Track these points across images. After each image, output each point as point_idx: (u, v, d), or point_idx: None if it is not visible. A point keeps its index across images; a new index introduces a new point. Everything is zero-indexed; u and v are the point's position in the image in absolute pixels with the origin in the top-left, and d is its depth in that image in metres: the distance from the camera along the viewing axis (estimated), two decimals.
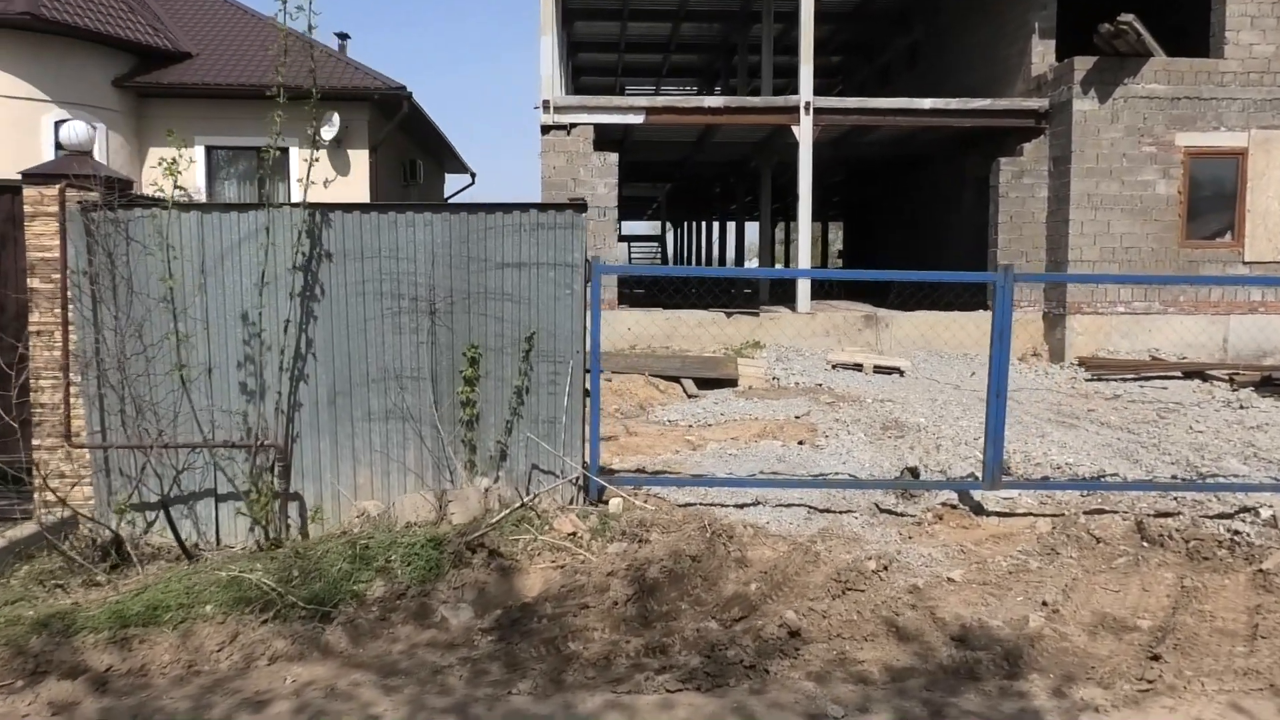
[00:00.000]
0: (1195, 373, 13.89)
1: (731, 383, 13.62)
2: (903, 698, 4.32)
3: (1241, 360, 14.85)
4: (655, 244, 50.60)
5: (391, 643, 4.98)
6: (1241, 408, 11.38)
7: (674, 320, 16.19)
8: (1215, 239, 15.57)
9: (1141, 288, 15.44)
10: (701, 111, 16.83)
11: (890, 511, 7.09)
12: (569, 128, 16.44)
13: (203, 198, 16.25)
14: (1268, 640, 4.80)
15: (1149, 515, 6.81)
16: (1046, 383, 13.81)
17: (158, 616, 4.96)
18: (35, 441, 6.42)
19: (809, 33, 16.62)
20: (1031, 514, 7.05)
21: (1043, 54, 16.49)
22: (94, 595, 5.42)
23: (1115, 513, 6.96)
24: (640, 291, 22.73)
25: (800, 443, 9.50)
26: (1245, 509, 6.93)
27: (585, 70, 30.34)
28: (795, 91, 16.56)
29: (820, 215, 38.44)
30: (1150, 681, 4.39)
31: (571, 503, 6.77)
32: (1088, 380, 13.97)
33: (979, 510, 7.10)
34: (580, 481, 6.81)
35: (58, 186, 6.29)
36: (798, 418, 10.88)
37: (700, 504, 7.12)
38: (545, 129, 16.49)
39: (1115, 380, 13.88)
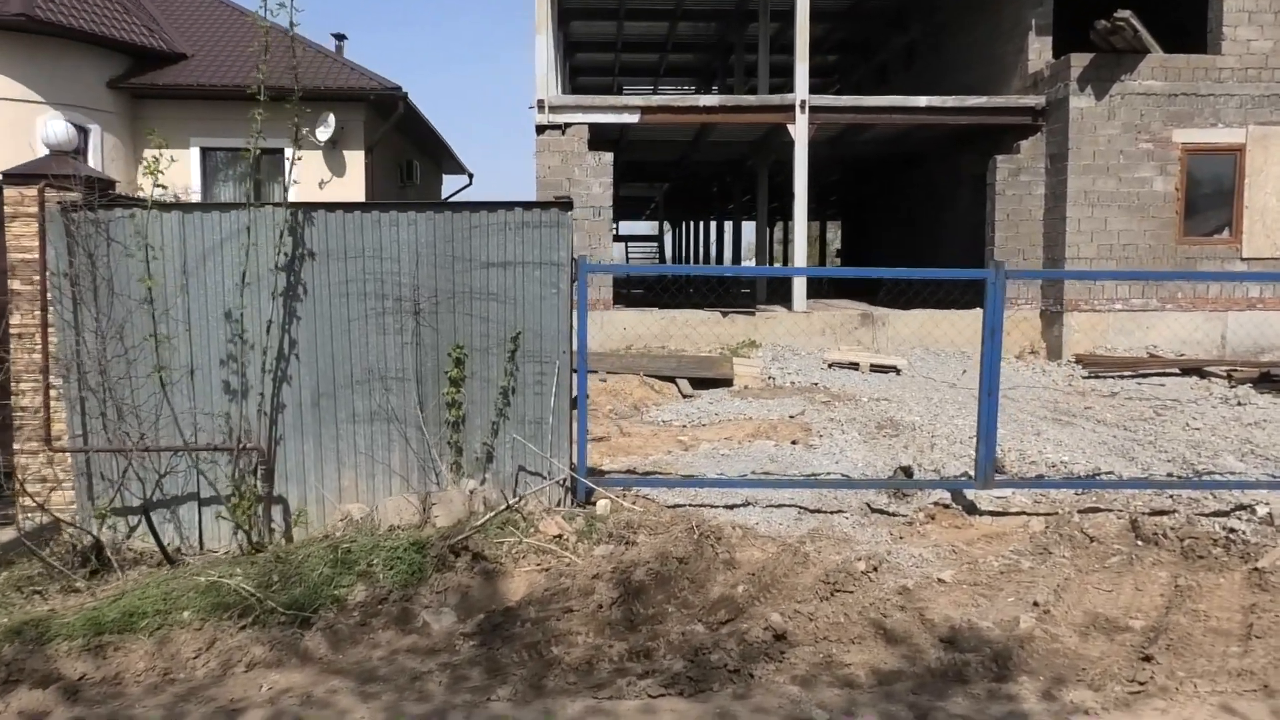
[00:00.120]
0: (1193, 370, 13.80)
1: (727, 382, 13.54)
2: (889, 701, 4.24)
3: (1239, 357, 14.75)
4: (653, 244, 50.51)
5: (371, 648, 4.91)
6: (1239, 404, 11.29)
7: (670, 320, 16.12)
8: (1213, 236, 15.48)
9: (1139, 285, 15.35)
10: (697, 111, 16.75)
11: (882, 511, 7.00)
12: (564, 127, 16.37)
13: (198, 199, 16.18)
14: (1262, 640, 4.71)
15: (1144, 513, 6.73)
16: (1043, 380, 13.72)
17: (134, 623, 4.88)
18: (15, 445, 6.35)
19: (804, 31, 16.54)
20: (1025, 513, 6.97)
21: (1039, 51, 16.40)
22: (72, 602, 5.35)
23: (1110, 511, 6.88)
24: (639, 291, 22.67)
25: (794, 442, 9.42)
26: (1241, 506, 6.85)
27: (582, 70, 30.28)
28: (791, 90, 16.49)
29: (818, 214, 38.38)
30: (1141, 683, 4.31)
31: (558, 504, 6.69)
32: (1085, 378, 13.88)
33: (972, 510, 7.02)
34: (567, 483, 6.73)
35: (37, 187, 6.22)
36: (792, 417, 10.81)
37: (690, 505, 7.04)
38: (540, 128, 16.42)
39: (1113, 377, 13.79)
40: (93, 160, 16.97)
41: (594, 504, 6.75)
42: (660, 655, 4.72)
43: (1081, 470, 8.06)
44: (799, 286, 16.79)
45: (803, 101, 16.25)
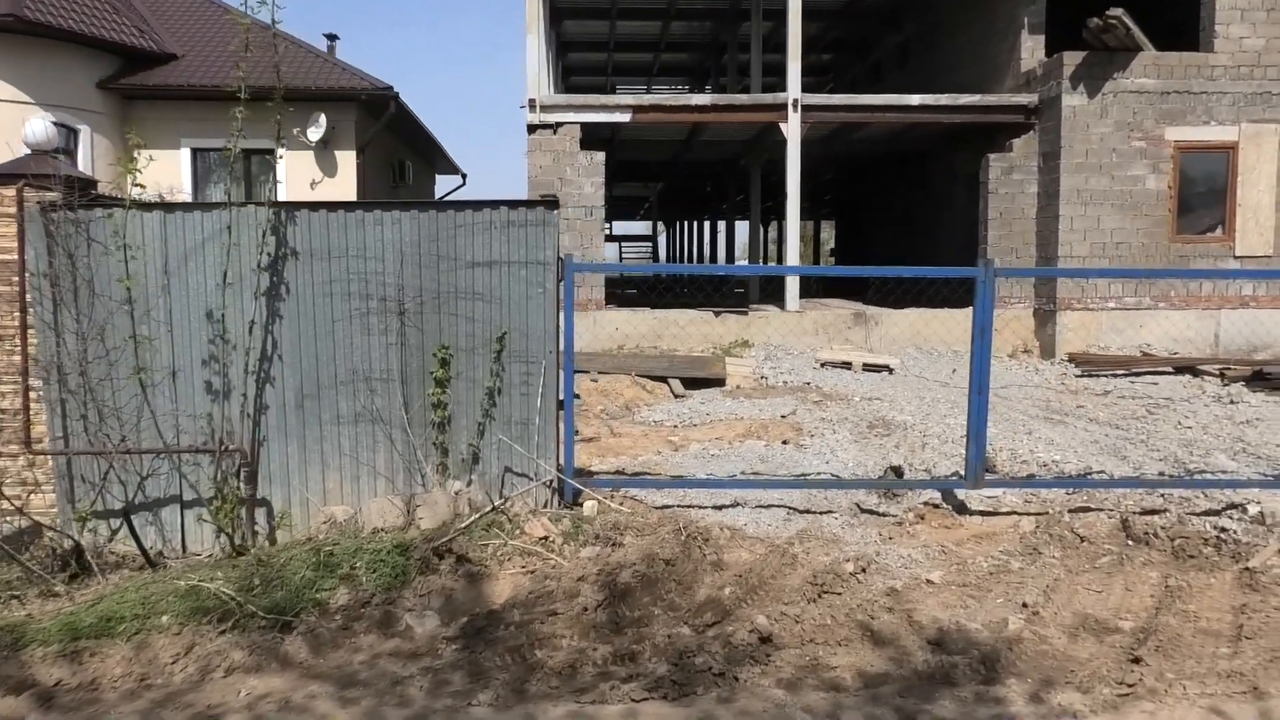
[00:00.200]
0: (1186, 368, 13.77)
1: (719, 382, 13.49)
2: (875, 705, 4.19)
3: (1232, 355, 14.73)
4: (647, 244, 50.43)
5: (353, 653, 4.85)
6: (1232, 403, 11.25)
7: (662, 320, 16.06)
8: (1206, 234, 15.45)
9: (1132, 283, 15.32)
10: (689, 110, 16.69)
11: (872, 512, 6.95)
12: (555, 127, 16.30)
13: (189, 200, 16.10)
14: (1252, 641, 4.67)
15: (1135, 513, 6.69)
16: (1036, 379, 13.68)
17: (112, 628, 4.82)
18: None
19: (797, 30, 16.50)
20: (1015, 513, 6.92)
21: (1032, 49, 16.36)
22: (50, 607, 5.28)
23: (1101, 511, 6.84)
24: (633, 291, 22.61)
25: (784, 442, 9.37)
26: (1232, 505, 6.81)
27: (575, 70, 30.21)
28: (784, 89, 16.44)
29: (813, 213, 38.35)
30: (1130, 685, 4.26)
31: (545, 506, 6.63)
32: (1078, 376, 13.84)
33: (962, 509, 6.97)
34: (554, 484, 6.67)
35: (15, 187, 6.15)
36: (783, 417, 10.75)
37: (678, 506, 6.98)
38: (531, 128, 16.35)
39: (1106, 376, 13.75)
40: (83, 161, 16.90)
41: (581, 505, 6.69)
42: (645, 658, 4.67)
43: (1073, 469, 8.01)
44: (791, 286, 16.74)
45: (795, 100, 16.21)
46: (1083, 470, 7.97)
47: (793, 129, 16.27)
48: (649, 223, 49.21)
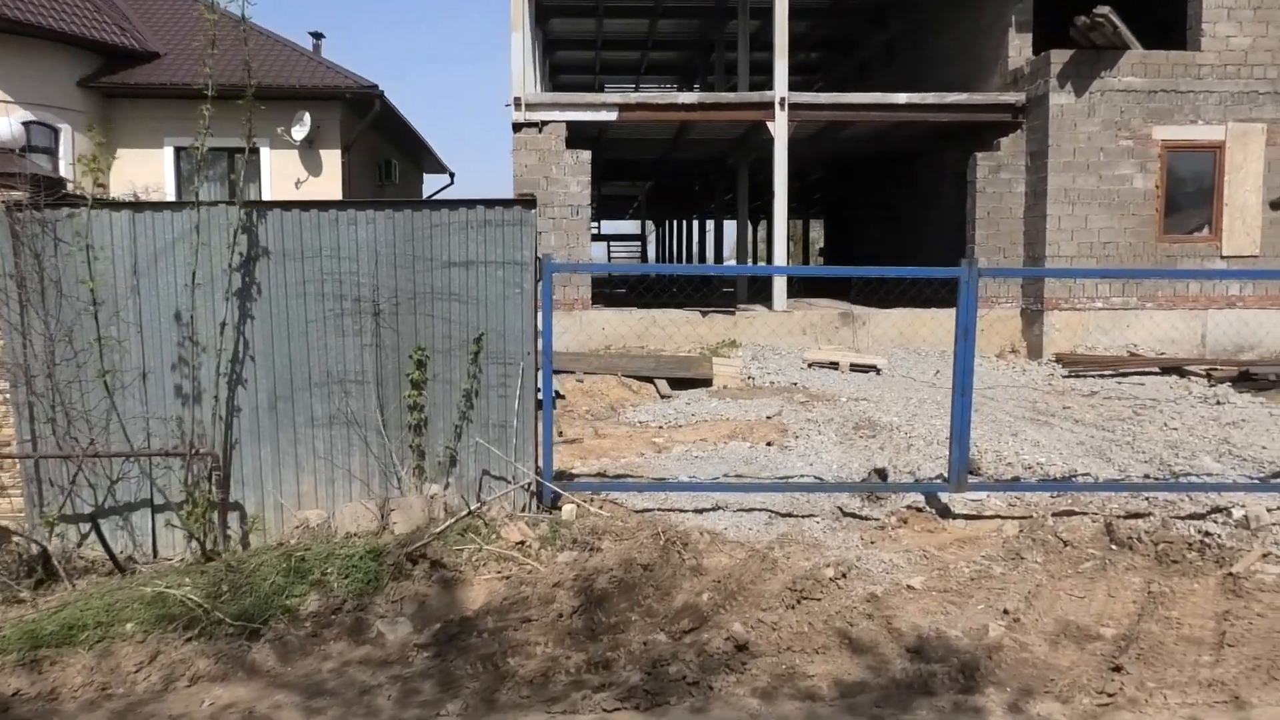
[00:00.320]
0: (1173, 368, 13.74)
1: (706, 382, 13.41)
2: (852, 714, 4.11)
3: (1219, 355, 14.71)
4: (636, 243, 50.31)
5: (322, 660, 4.75)
6: (1218, 403, 11.22)
7: (650, 320, 15.97)
8: (1193, 233, 15.42)
9: (1119, 283, 15.29)
10: (676, 108, 16.60)
11: (854, 515, 6.88)
12: (541, 125, 16.20)
13: (172, 200, 15.95)
14: (1235, 649, 4.60)
15: (1119, 516, 6.63)
16: (1023, 380, 13.64)
17: (74, 636, 4.71)
18: None
19: (783, 28, 16.42)
20: (999, 516, 6.85)
21: (1019, 48, 16.31)
22: (13, 614, 5.17)
23: (1085, 514, 6.77)
24: (622, 291, 22.50)
25: (769, 444, 9.29)
26: (1217, 509, 6.75)
27: (563, 68, 30.08)
28: (772, 88, 16.36)
29: (802, 213, 38.29)
30: (1110, 695, 4.19)
31: (524, 510, 6.53)
32: (1065, 377, 13.80)
33: (945, 513, 6.90)
34: (533, 487, 6.58)
35: None
36: (769, 418, 10.68)
37: (659, 509, 6.90)
38: (517, 126, 16.24)
39: (1093, 377, 13.72)
40: (64, 160, 16.74)
41: (560, 509, 6.60)
42: (620, 666, 4.58)
43: (1058, 472, 7.95)
44: (779, 285, 16.67)
45: (782, 99, 16.13)
46: (1067, 473, 7.91)
47: (780, 127, 16.20)
48: (638, 222, 49.09)
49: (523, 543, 5.92)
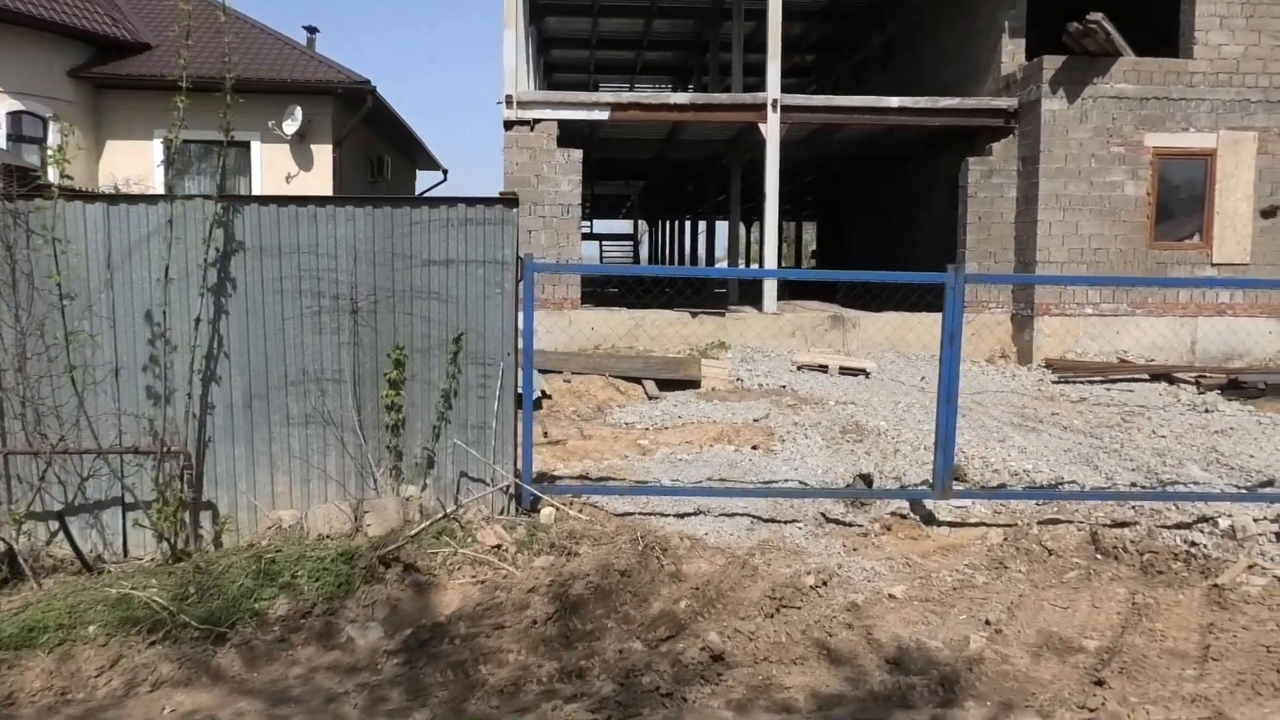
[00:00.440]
0: (1162, 375, 13.70)
1: (695, 384, 13.32)
2: None
3: (1209, 363, 14.68)
4: (629, 243, 50.18)
5: (289, 666, 4.65)
6: (1207, 411, 11.17)
7: (639, 320, 15.87)
8: (1184, 241, 15.39)
9: (1110, 289, 15.24)
10: (668, 108, 16.51)
11: (838, 521, 6.79)
12: (533, 123, 16.10)
13: (162, 192, 15.83)
14: (1219, 663, 4.53)
15: (1105, 525, 6.56)
16: (1013, 385, 13.58)
17: (34, 638, 4.60)
18: None
19: (776, 29, 16.35)
20: (984, 524, 6.77)
21: (1013, 53, 16.26)
22: None
23: (1070, 522, 6.70)
24: (614, 291, 22.40)
25: (755, 447, 9.20)
26: (1204, 518, 6.68)
27: (558, 67, 29.98)
28: (764, 89, 16.28)
29: (794, 215, 38.24)
30: (1092, 710, 4.11)
31: (502, 512, 6.43)
32: (1054, 383, 13.75)
33: (929, 520, 6.82)
34: (511, 490, 6.48)
35: None
36: (756, 421, 10.60)
37: (640, 513, 6.80)
38: (509, 124, 16.14)
39: (1082, 383, 13.67)
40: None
41: (539, 512, 6.50)
42: (594, 675, 4.49)
43: (1045, 479, 7.88)
44: (769, 288, 16.59)
45: (774, 100, 16.05)
46: (1054, 480, 7.84)
47: (772, 129, 16.12)
48: (631, 222, 48.97)
49: (499, 546, 5.82)
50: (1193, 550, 6.01)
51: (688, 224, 41.49)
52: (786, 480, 7.86)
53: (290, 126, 17.39)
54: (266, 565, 5.30)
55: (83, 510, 6.15)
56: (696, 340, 15.80)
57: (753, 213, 32.67)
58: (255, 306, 6.20)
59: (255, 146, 17.95)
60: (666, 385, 13.15)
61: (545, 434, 9.96)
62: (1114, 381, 13.68)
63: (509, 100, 15.99)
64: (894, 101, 16.19)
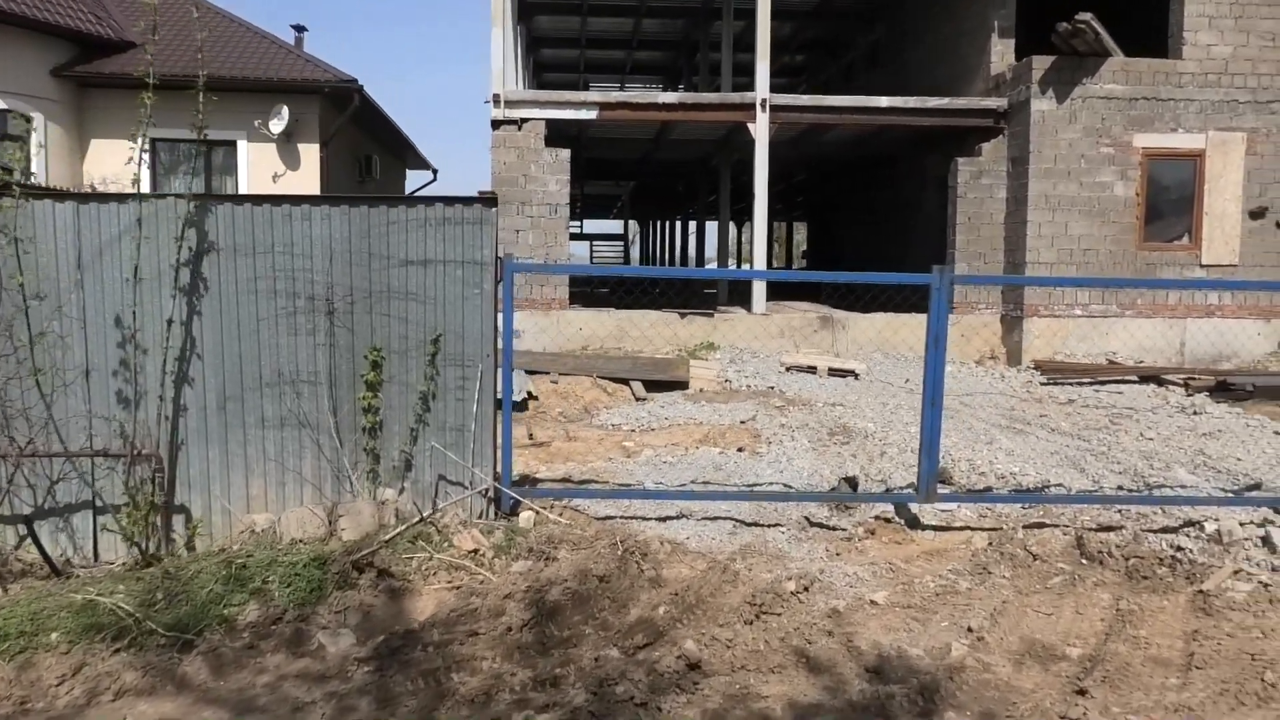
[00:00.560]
0: (1151, 377, 13.66)
1: (683, 385, 13.25)
2: None
3: (1198, 364, 14.65)
4: (620, 243, 50.08)
5: (257, 674, 4.54)
6: (1195, 413, 11.12)
7: (627, 320, 15.78)
8: (1173, 242, 15.36)
9: (1099, 290, 15.20)
10: (656, 108, 16.43)
11: (821, 525, 6.71)
12: (520, 123, 16.00)
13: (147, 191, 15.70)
14: (1202, 671, 4.45)
15: (1090, 529, 6.49)
16: (1001, 387, 13.53)
17: None
18: None
19: (765, 29, 16.28)
20: (969, 528, 6.70)
21: (1002, 53, 16.22)
22: None
23: (1056, 526, 6.63)
24: (605, 290, 22.32)
25: (740, 450, 9.12)
26: (1190, 522, 6.62)
27: (548, 66, 29.87)
28: (753, 89, 16.21)
29: (785, 215, 38.19)
30: None
31: (481, 516, 6.34)
32: (1043, 384, 13.70)
33: (914, 524, 6.74)
34: (491, 493, 6.38)
35: None
36: (743, 423, 10.52)
37: (621, 517, 6.71)
38: (496, 124, 16.04)
39: (1071, 384, 13.62)
40: (35, 150, 16.45)
41: (518, 516, 6.41)
42: (569, 683, 4.39)
43: (1031, 482, 7.81)
44: (758, 288, 16.52)
45: (763, 100, 15.99)
46: (1040, 483, 7.77)
47: (761, 129, 16.05)
48: (622, 221, 48.86)
49: (476, 551, 5.73)
50: (1178, 555, 5.94)
51: (678, 224, 41.39)
52: (771, 483, 7.78)
53: (277, 126, 17.27)
54: (237, 570, 5.20)
55: (53, 514, 6.04)
56: (685, 341, 15.72)
57: (743, 213, 32.60)
58: (229, 307, 6.10)
59: (242, 146, 17.82)
60: (654, 386, 13.07)
61: (530, 436, 9.87)
62: (1103, 383, 13.63)
63: (496, 99, 15.90)
64: (883, 101, 16.14)
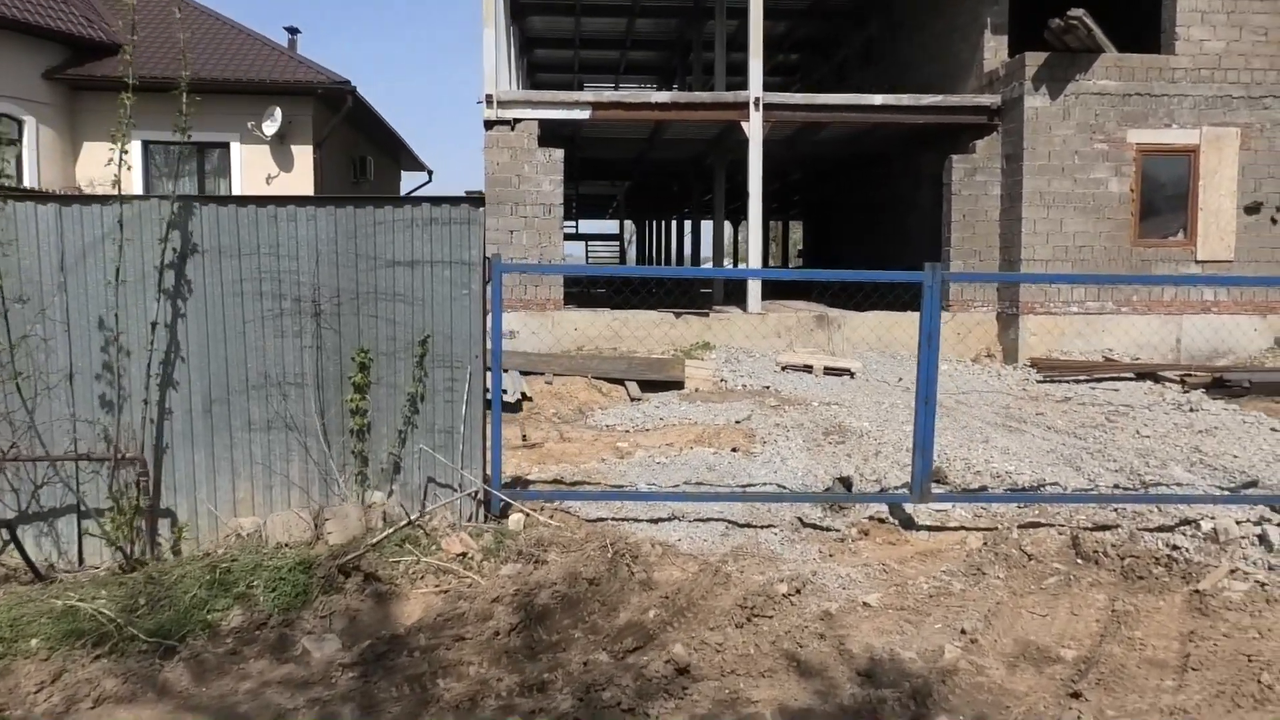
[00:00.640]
0: (1148, 374, 13.61)
1: (678, 385, 13.18)
2: None
3: (1194, 361, 14.61)
4: (616, 243, 49.99)
5: (239, 681, 4.48)
6: (1191, 410, 11.07)
7: (623, 321, 15.71)
8: (1168, 238, 15.31)
9: (1095, 287, 15.16)
10: (649, 107, 16.37)
11: (815, 526, 6.65)
12: (513, 123, 15.94)
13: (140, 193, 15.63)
14: (1198, 673, 4.40)
15: (1086, 528, 6.43)
16: (998, 385, 13.47)
17: None
18: None
19: (757, 27, 16.22)
20: (964, 528, 6.64)
21: (995, 50, 16.17)
22: None
23: (1051, 526, 6.57)
24: (602, 291, 22.24)
25: (734, 450, 9.06)
26: (1186, 521, 6.56)
27: (542, 67, 29.80)
28: (748, 88, 16.15)
29: (781, 214, 38.13)
30: None
31: (470, 519, 6.28)
32: (1039, 382, 13.64)
33: (909, 524, 6.68)
34: (480, 496, 6.32)
35: None
36: (738, 423, 10.45)
37: (612, 519, 6.65)
38: (489, 124, 15.98)
39: (1068, 382, 13.57)
40: (27, 154, 16.40)
41: (508, 519, 6.34)
42: (556, 689, 4.33)
43: (1027, 481, 7.75)
44: (754, 287, 16.46)
45: (756, 99, 15.93)
46: (1036, 482, 7.72)
47: (754, 128, 15.99)
48: (618, 221, 48.77)
49: (464, 554, 5.67)
50: (1174, 554, 5.89)
51: (675, 224, 41.33)
52: (765, 484, 7.72)
53: (270, 127, 17.21)
54: (221, 575, 5.14)
55: (37, 518, 5.97)
56: (681, 341, 15.66)
57: (739, 212, 32.52)
58: (214, 309, 6.03)
59: (235, 148, 17.77)
60: (650, 386, 13.01)
61: (524, 437, 9.81)
62: (1099, 380, 13.58)
63: (489, 100, 15.84)
64: (876, 99, 16.09)
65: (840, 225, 25.93)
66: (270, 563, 5.27)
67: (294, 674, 4.55)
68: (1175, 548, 5.99)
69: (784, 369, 14.27)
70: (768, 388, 12.93)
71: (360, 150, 21.51)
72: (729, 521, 6.69)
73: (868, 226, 22.74)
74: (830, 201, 26.90)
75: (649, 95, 16.66)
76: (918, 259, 17.74)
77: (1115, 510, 6.89)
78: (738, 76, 22.55)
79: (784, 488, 7.57)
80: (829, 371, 14.09)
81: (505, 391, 11.30)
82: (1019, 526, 6.52)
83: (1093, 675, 4.39)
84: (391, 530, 5.69)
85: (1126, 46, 15.10)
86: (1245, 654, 4.55)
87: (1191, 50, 14.83)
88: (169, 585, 5.07)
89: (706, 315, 16.21)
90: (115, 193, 5.82)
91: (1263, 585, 5.37)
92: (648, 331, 15.42)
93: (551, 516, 6.47)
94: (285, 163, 17.95)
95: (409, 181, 28.25)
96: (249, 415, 6.11)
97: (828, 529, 6.59)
